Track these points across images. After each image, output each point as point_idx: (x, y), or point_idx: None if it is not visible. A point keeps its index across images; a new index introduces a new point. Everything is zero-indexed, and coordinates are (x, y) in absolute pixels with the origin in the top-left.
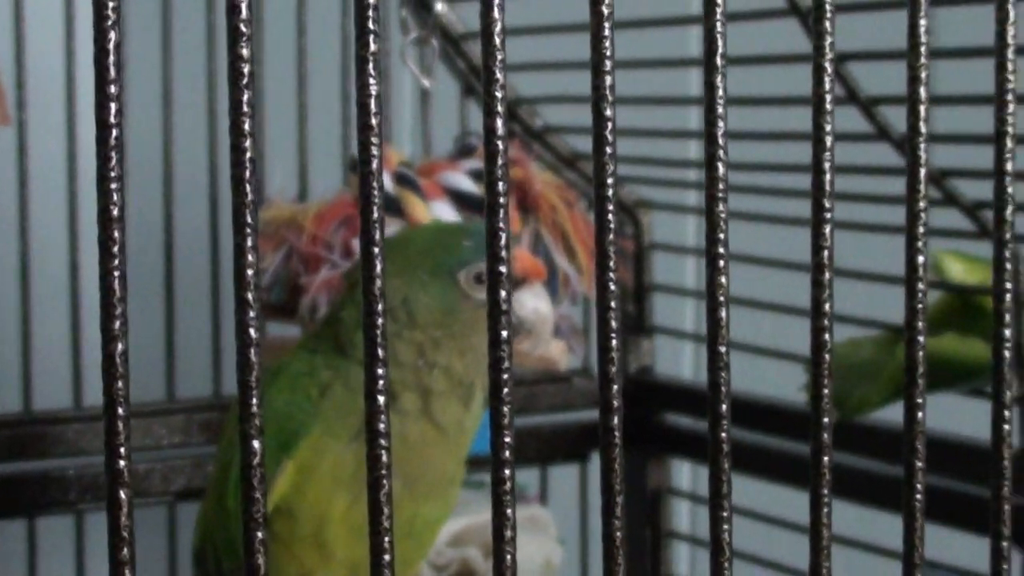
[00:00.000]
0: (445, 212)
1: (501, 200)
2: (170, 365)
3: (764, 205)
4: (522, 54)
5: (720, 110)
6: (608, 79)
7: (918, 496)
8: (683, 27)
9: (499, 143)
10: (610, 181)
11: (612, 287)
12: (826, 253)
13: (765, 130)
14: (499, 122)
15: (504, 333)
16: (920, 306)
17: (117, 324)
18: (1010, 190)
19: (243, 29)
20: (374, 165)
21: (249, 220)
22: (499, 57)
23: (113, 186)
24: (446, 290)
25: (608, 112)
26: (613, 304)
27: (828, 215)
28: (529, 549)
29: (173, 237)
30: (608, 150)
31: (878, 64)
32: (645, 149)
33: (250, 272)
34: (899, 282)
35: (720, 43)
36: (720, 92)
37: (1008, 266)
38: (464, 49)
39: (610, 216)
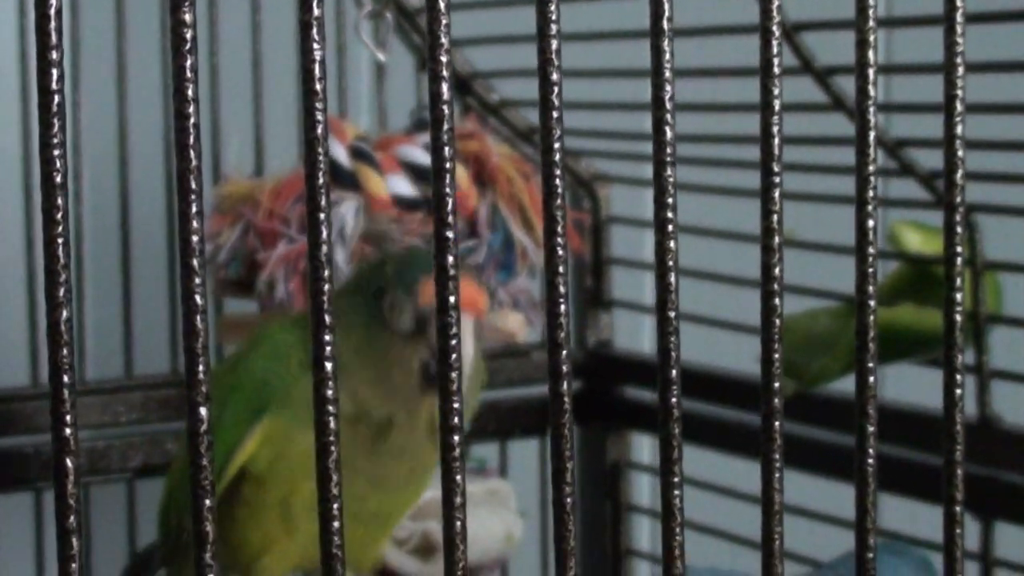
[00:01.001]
0: (401, 186)
1: (447, 165)
2: (128, 343)
3: (730, 178)
4: (478, 28)
5: (667, 74)
6: (554, 43)
7: (870, 461)
8: None
9: (444, 108)
10: (557, 146)
11: (560, 252)
12: (775, 218)
13: (744, 102)
14: (444, 87)
15: (452, 299)
16: (871, 271)
17: (61, 291)
18: (960, 154)
19: None
20: (319, 131)
21: (194, 186)
22: (444, 22)
23: (56, 152)
24: (368, 314)
25: (554, 76)
26: (561, 269)
27: (777, 179)
28: (490, 522)
29: (129, 215)
30: (555, 114)
31: (833, 34)
32: (608, 122)
33: (195, 239)
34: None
35: (667, 7)
36: (667, 56)
37: (959, 230)
38: (419, 23)
39: (558, 181)
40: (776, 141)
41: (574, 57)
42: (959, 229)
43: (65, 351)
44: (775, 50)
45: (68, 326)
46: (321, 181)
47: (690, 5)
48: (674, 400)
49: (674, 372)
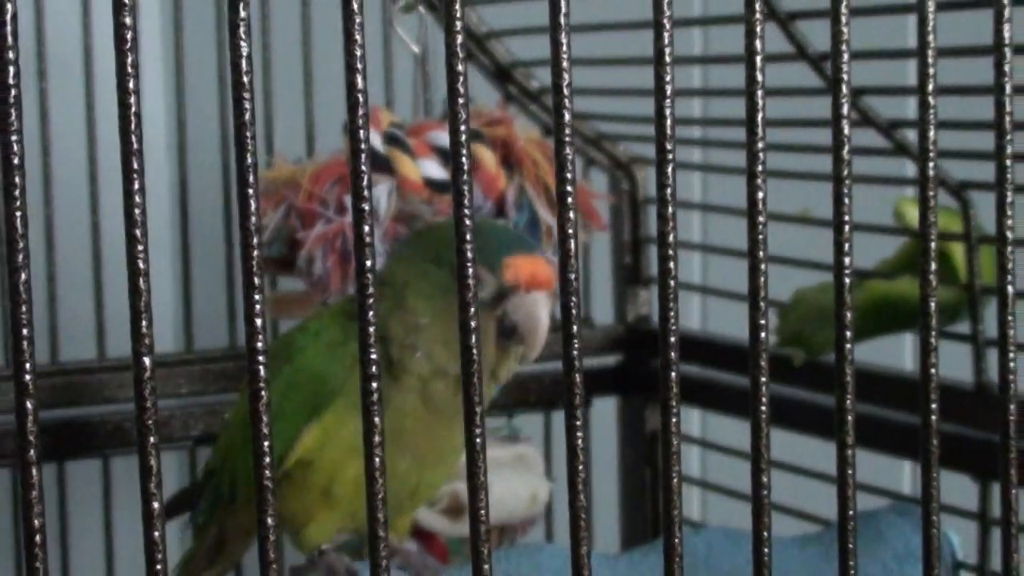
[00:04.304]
0: (432, 169)
1: (363, 145)
2: (188, 319)
3: (733, 158)
4: (518, 18)
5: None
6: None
7: (763, 408)
8: None
9: (359, 96)
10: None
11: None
12: (669, 190)
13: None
14: (359, 79)
15: (367, 266)
16: (760, 237)
17: (20, 257)
18: (845, 34)
19: (126, 0)
20: (246, 117)
21: (136, 166)
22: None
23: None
24: (443, 281)
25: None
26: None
27: (670, 156)
28: (516, 484)
29: (187, 196)
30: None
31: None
32: (646, 108)
33: (138, 211)
34: (869, 229)
35: None
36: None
37: (845, 107)
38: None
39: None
40: (668, 122)
41: (613, 46)
42: (845, 106)
43: (24, 308)
44: (665, 41)
45: (26, 287)
46: (250, 161)
47: None
48: (576, 352)
49: (575, 327)
